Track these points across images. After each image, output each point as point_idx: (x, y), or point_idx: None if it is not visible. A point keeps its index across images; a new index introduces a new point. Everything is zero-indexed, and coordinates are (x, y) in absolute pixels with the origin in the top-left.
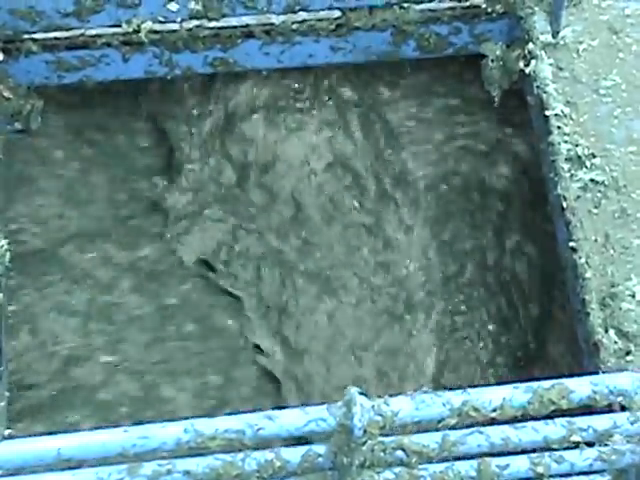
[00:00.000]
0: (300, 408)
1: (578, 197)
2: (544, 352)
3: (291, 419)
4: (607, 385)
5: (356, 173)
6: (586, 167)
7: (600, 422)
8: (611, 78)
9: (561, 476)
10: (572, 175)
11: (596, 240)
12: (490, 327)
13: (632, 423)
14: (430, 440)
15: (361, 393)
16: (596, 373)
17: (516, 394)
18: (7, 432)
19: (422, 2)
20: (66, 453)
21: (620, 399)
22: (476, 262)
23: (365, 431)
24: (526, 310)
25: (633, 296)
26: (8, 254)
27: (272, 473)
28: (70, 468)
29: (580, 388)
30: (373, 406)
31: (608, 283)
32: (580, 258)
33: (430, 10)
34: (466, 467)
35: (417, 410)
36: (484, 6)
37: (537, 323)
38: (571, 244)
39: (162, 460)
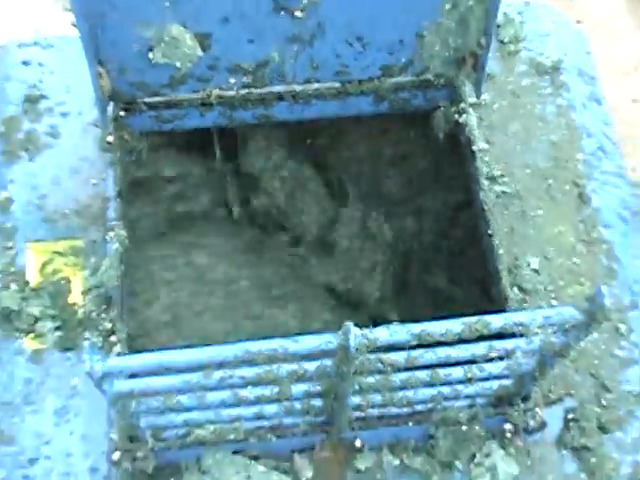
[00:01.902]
0: (315, 334)
1: (494, 203)
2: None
3: (309, 342)
4: (512, 320)
5: None
6: (498, 183)
7: (508, 344)
8: (514, 126)
9: (482, 379)
10: (490, 188)
11: (506, 231)
12: None
13: (527, 344)
14: (399, 356)
15: (355, 325)
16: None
17: (455, 325)
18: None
19: (392, 77)
20: (163, 363)
21: (521, 329)
22: None
23: (357, 349)
24: None
25: (529, 265)
26: (126, 241)
27: (297, 378)
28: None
29: (496, 321)
30: (362, 334)
31: (513, 257)
32: (495, 242)
33: (398, 82)
34: (423, 375)
35: (391, 336)
36: (433, 80)
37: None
38: (489, 232)
39: (226, 369)
